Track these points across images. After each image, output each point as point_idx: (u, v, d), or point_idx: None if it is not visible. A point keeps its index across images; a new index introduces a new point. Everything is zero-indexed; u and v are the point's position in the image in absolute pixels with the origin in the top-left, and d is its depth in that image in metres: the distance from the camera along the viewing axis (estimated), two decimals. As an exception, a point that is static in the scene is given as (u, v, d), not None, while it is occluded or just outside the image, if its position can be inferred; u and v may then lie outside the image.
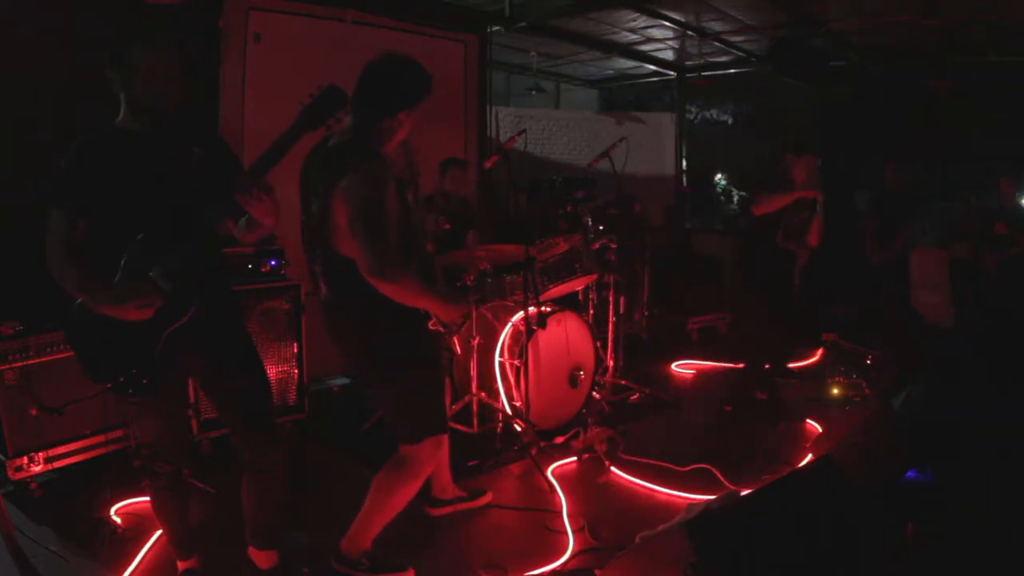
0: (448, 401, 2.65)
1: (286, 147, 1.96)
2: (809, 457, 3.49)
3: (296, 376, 3.85)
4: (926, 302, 6.14)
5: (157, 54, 1.96)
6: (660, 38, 7.07)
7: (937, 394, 2.59)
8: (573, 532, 2.91)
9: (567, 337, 3.95)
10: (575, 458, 3.64)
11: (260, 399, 2.31)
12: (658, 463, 3.51)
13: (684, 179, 8.60)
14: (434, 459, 2.56)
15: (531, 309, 3.67)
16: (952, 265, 6.23)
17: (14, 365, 3.02)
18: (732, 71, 8.07)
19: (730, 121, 9.18)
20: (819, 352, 5.68)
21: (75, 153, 1.97)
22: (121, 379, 2.02)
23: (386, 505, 2.52)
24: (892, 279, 6.05)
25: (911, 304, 6.09)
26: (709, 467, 3.45)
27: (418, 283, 2.28)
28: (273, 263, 3.79)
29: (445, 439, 2.59)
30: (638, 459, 3.57)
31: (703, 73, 8.24)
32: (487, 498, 3.17)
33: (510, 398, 3.83)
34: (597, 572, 2.57)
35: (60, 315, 2.06)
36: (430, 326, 2.46)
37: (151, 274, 1.94)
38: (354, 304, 2.30)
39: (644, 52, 7.71)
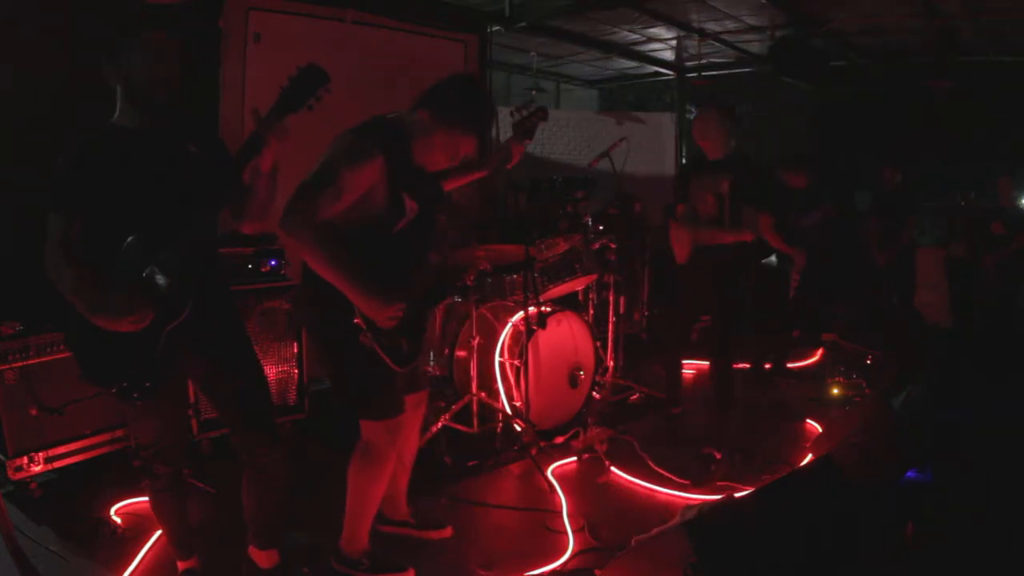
0: (402, 385, 2.45)
1: (267, 133, 1.96)
2: (809, 457, 3.49)
3: (296, 376, 3.85)
4: (926, 302, 6.14)
5: (157, 47, 1.97)
6: (660, 38, 7.07)
7: (937, 394, 2.59)
8: (573, 532, 2.91)
9: (567, 337, 3.95)
10: (575, 458, 3.64)
11: (259, 399, 2.30)
12: (660, 470, 3.50)
13: (684, 179, 8.59)
14: (391, 443, 2.46)
15: (531, 309, 3.67)
16: (950, 264, 6.24)
17: (14, 365, 3.02)
18: (732, 71, 8.06)
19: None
20: (819, 352, 5.68)
21: (75, 154, 1.96)
22: (124, 384, 2.02)
23: (360, 495, 2.50)
24: (896, 278, 6.06)
25: (913, 304, 6.09)
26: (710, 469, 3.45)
27: (321, 251, 2.13)
28: (273, 263, 3.79)
29: (398, 424, 2.47)
30: (648, 461, 3.54)
31: (703, 73, 8.24)
32: (443, 533, 2.90)
33: (510, 398, 3.83)
34: (597, 572, 2.57)
35: (60, 315, 2.05)
36: (355, 320, 2.27)
37: (145, 274, 1.94)
38: (304, 274, 2.30)
39: (644, 52, 7.71)
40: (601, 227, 4.82)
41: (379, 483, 2.51)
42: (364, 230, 2.24)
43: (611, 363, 4.75)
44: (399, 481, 2.83)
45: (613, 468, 3.50)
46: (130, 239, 1.94)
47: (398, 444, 2.53)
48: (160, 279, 1.94)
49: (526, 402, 3.66)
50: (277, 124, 1.97)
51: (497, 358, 3.89)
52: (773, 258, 5.42)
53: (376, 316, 2.23)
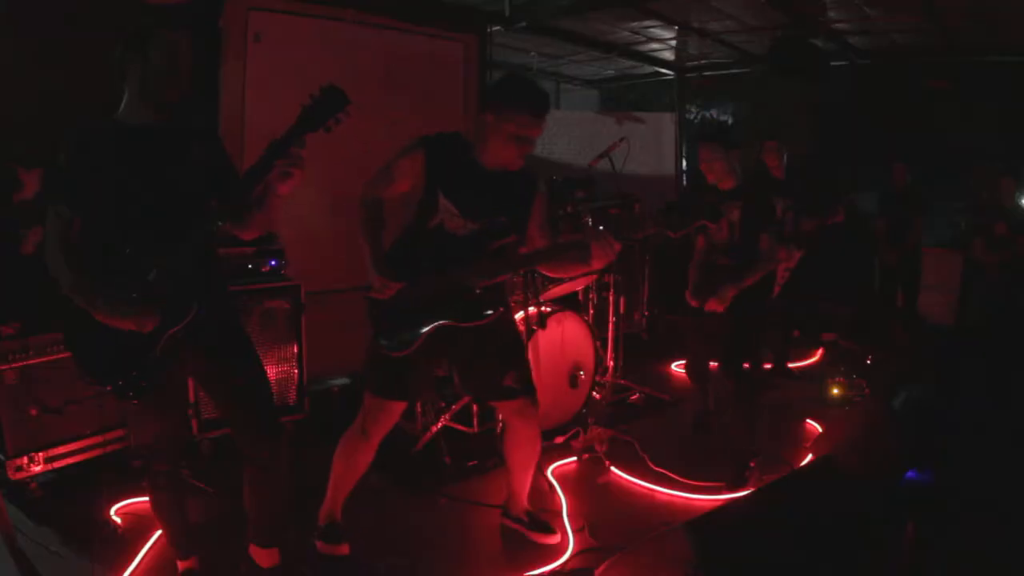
0: (411, 372, 2.55)
1: (284, 150, 1.95)
2: (809, 457, 3.49)
3: (296, 376, 3.85)
4: (929, 302, 6.13)
5: (171, 44, 1.97)
6: (660, 38, 7.07)
7: (937, 394, 2.59)
8: (573, 532, 2.91)
9: (567, 337, 3.95)
10: (575, 458, 3.64)
11: (260, 398, 2.31)
12: (660, 470, 3.50)
13: (684, 179, 8.60)
14: (374, 423, 2.59)
15: (531, 309, 3.67)
16: (968, 264, 6.16)
17: (14, 365, 3.02)
18: (732, 71, 8.07)
19: (730, 121, 9.17)
20: (819, 352, 5.68)
21: (74, 150, 1.96)
22: (120, 382, 2.01)
23: (336, 461, 2.71)
24: (904, 279, 6.05)
25: (916, 305, 6.08)
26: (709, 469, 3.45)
27: (361, 218, 2.47)
28: (273, 263, 3.79)
29: (384, 405, 2.58)
30: (648, 461, 3.54)
31: (703, 73, 8.24)
32: (550, 539, 2.89)
33: (510, 398, 3.82)
34: (597, 572, 2.57)
35: (59, 312, 2.05)
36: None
37: (149, 278, 1.93)
38: None
39: (644, 52, 7.71)
40: (601, 227, 4.81)
41: (350, 454, 2.65)
42: (410, 222, 2.50)
43: (611, 363, 4.75)
44: (516, 482, 2.90)
45: (613, 468, 3.50)
46: (131, 241, 1.94)
47: (383, 433, 2.63)
48: (161, 285, 1.94)
49: (526, 402, 3.65)
50: (295, 144, 1.95)
51: (497, 358, 3.88)
52: None
53: (371, 281, 2.42)
